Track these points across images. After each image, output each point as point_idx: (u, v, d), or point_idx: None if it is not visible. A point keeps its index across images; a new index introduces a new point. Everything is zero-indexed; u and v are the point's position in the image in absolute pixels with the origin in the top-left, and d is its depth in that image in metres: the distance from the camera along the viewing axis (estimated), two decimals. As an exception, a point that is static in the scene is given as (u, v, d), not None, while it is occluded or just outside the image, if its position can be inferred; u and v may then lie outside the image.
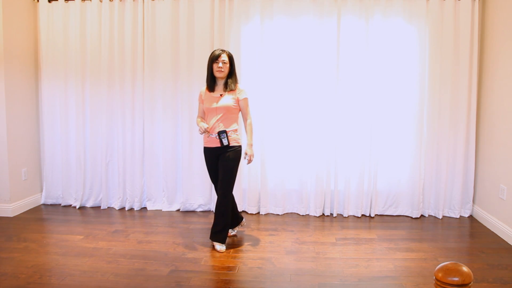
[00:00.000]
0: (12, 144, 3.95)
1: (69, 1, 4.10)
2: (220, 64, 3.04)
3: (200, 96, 3.21)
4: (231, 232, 3.44)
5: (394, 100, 3.98)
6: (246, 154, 3.13)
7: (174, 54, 4.04)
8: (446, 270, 1.35)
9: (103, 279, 2.65)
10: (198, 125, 3.12)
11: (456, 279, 1.32)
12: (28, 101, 4.18)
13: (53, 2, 4.12)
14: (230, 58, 3.10)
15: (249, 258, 3.00)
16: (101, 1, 4.05)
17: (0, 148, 3.88)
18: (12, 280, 2.61)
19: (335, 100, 3.95)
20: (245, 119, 3.19)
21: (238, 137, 3.14)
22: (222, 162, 3.08)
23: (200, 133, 3.09)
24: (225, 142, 3.05)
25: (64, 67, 4.15)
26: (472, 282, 1.34)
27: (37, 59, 4.25)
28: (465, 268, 1.35)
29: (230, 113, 3.09)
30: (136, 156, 4.18)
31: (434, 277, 1.39)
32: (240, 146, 3.15)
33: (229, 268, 2.83)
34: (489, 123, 3.77)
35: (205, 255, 3.05)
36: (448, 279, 1.33)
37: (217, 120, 3.07)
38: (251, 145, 3.15)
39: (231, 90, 3.10)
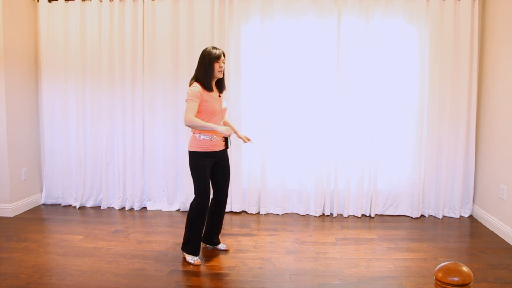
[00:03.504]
0: (12, 144, 3.95)
1: (69, 1, 4.10)
2: (222, 64, 2.86)
3: (200, 94, 2.79)
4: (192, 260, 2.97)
5: (394, 100, 3.98)
6: (245, 138, 3.09)
7: (174, 54, 4.04)
8: (446, 270, 1.35)
9: (103, 279, 2.65)
10: (216, 128, 2.75)
11: (456, 279, 1.32)
12: (28, 101, 4.18)
13: (53, 2, 4.12)
14: (225, 57, 2.96)
15: (249, 258, 3.00)
16: (101, 1, 4.05)
17: (0, 148, 3.88)
18: (12, 280, 2.61)
19: (335, 100, 3.95)
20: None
21: None
22: (223, 164, 3.01)
23: (226, 135, 2.79)
24: (229, 144, 3.00)
25: (64, 67, 4.15)
26: (472, 282, 1.34)
27: (37, 59, 4.25)
28: (465, 268, 1.35)
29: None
30: (136, 156, 4.17)
31: (434, 277, 1.39)
32: None
33: (229, 268, 2.83)
34: (489, 123, 3.77)
35: (205, 255, 3.05)
36: (448, 279, 1.33)
37: (222, 123, 3.00)
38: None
39: (223, 90, 3.00)
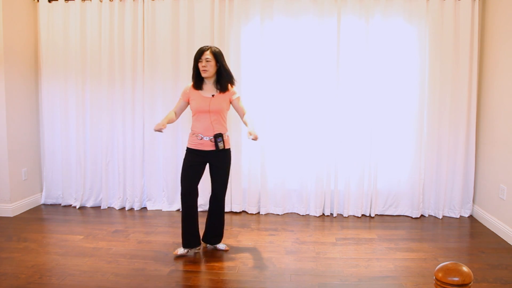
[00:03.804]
0: (12, 144, 3.95)
1: (69, 1, 4.10)
2: (204, 63, 2.81)
3: (185, 93, 2.96)
4: (180, 251, 3.04)
5: (394, 100, 3.98)
6: (250, 134, 2.74)
7: (174, 54, 4.04)
8: (446, 270, 1.35)
9: (103, 279, 2.65)
10: (162, 120, 2.85)
11: (456, 279, 1.32)
12: (28, 101, 4.18)
13: (53, 2, 4.12)
14: (216, 55, 2.84)
15: (249, 258, 3.00)
16: (101, 1, 4.05)
17: (0, 148, 3.88)
18: (12, 280, 2.61)
19: (335, 100, 3.95)
20: (242, 114, 2.97)
21: (228, 139, 3.00)
22: (218, 166, 2.96)
23: (154, 130, 2.80)
24: (221, 145, 2.87)
25: (64, 67, 4.15)
26: (472, 282, 1.34)
27: (37, 59, 4.25)
28: (465, 268, 1.35)
29: (223, 115, 2.94)
30: (136, 156, 4.18)
31: (434, 277, 1.39)
32: (230, 149, 3.03)
33: (229, 268, 2.83)
34: (489, 123, 3.77)
35: (205, 255, 3.05)
36: (448, 279, 1.33)
37: (211, 123, 2.89)
38: (254, 128, 2.81)
39: (226, 90, 2.91)
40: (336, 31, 3.89)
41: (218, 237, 3.15)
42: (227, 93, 2.93)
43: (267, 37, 3.95)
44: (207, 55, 2.82)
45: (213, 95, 2.90)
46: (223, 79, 2.90)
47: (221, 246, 3.14)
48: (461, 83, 3.87)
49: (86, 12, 4.08)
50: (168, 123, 2.95)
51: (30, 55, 4.18)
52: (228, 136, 3.01)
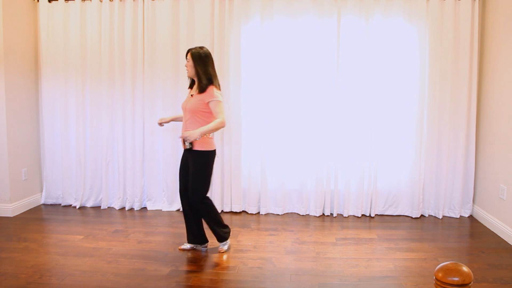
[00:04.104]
0: (12, 144, 3.95)
1: (69, 1, 4.10)
2: (186, 64, 2.95)
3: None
4: (185, 246, 3.18)
5: (394, 100, 3.98)
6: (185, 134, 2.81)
7: (174, 54, 4.04)
8: (446, 270, 1.35)
9: (103, 279, 2.65)
10: (168, 116, 3.29)
11: (456, 279, 1.32)
12: (28, 101, 4.18)
13: (53, 2, 4.12)
14: (194, 57, 2.87)
15: (249, 258, 3.00)
16: (101, 1, 4.05)
17: (0, 148, 3.88)
18: (12, 280, 2.61)
19: (335, 100, 3.95)
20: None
21: (205, 141, 2.88)
22: (190, 166, 2.95)
23: (157, 122, 3.22)
24: (187, 145, 2.86)
25: (64, 67, 4.15)
26: (472, 282, 1.34)
27: (37, 59, 4.25)
28: (465, 268, 1.35)
29: (197, 116, 2.89)
30: (136, 156, 4.18)
31: (434, 277, 1.39)
32: (208, 152, 2.91)
33: (229, 268, 2.83)
34: (489, 123, 3.78)
35: (205, 255, 3.05)
36: (448, 279, 1.33)
37: (186, 121, 2.94)
38: (199, 132, 2.77)
39: (202, 91, 2.87)
40: (336, 31, 3.89)
41: (218, 238, 3.11)
42: (203, 94, 2.88)
43: (267, 37, 3.95)
44: (188, 56, 2.94)
45: (192, 95, 2.98)
46: (200, 80, 2.91)
47: (222, 246, 3.13)
48: (461, 83, 3.87)
49: (86, 12, 4.08)
50: (176, 121, 3.25)
51: (30, 55, 4.18)
52: (207, 137, 2.90)
